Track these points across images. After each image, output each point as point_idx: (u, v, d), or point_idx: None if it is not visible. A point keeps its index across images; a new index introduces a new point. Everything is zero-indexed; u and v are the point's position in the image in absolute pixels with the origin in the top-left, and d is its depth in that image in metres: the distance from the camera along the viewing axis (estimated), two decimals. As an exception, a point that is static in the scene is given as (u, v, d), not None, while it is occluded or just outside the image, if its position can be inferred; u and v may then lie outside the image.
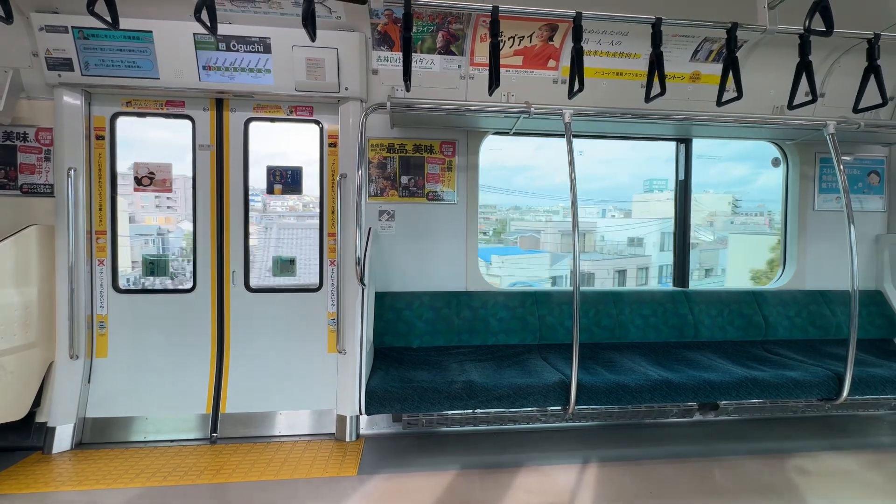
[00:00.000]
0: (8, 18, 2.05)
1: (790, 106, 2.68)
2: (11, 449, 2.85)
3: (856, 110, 2.75)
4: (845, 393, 2.79)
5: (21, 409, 2.79)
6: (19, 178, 3.05)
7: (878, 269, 3.88)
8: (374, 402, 2.55)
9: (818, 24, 2.34)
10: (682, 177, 3.89)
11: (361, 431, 3.14)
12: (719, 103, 2.64)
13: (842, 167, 2.91)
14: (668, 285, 3.98)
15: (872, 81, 2.62)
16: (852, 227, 2.82)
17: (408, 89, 2.53)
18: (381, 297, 3.30)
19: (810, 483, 2.60)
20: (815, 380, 2.81)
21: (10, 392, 2.71)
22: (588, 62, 2.76)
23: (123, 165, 3.20)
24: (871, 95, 2.66)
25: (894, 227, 3.91)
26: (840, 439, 3.15)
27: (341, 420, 3.10)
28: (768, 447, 3.00)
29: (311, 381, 3.21)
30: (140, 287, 3.30)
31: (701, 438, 3.13)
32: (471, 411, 2.78)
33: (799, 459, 2.84)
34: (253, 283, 3.29)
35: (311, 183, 3.33)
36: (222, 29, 2.84)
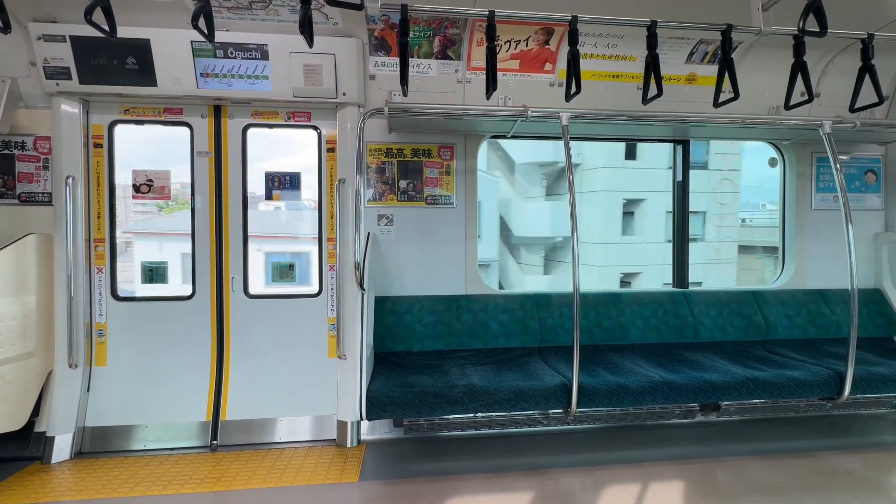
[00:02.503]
0: (6, 28, 2.06)
1: (787, 106, 2.69)
2: (10, 459, 2.83)
3: (852, 109, 2.76)
4: (846, 392, 2.78)
5: (20, 419, 2.78)
6: (17, 186, 3.05)
7: (876, 268, 3.88)
8: (375, 407, 2.54)
9: (812, 24, 2.36)
10: (679, 178, 3.90)
11: (362, 437, 3.13)
12: (716, 104, 2.66)
13: (838, 166, 2.92)
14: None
15: (868, 81, 2.64)
16: (850, 225, 2.82)
17: (405, 94, 2.54)
18: (380, 302, 3.30)
19: (814, 483, 2.59)
20: (816, 379, 2.81)
21: (9, 402, 2.70)
22: (584, 65, 2.78)
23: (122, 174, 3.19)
24: (867, 95, 2.67)
25: (892, 225, 3.92)
26: (842, 439, 3.14)
27: (342, 426, 3.09)
28: (771, 447, 2.99)
29: (311, 387, 3.20)
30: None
31: (703, 439, 3.12)
32: (472, 415, 2.78)
33: (802, 459, 2.83)
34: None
35: (309, 188, 3.33)
36: (220, 36, 2.85)
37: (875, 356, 3.26)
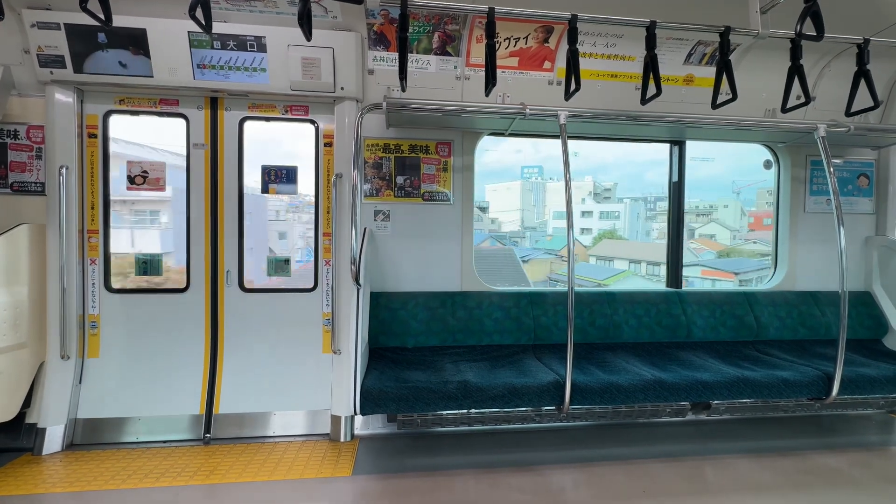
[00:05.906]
0: None
1: (783, 109, 2.71)
2: (1, 450, 2.81)
3: (848, 114, 2.78)
4: (835, 392, 2.82)
5: (11, 410, 2.76)
6: (10, 176, 3.01)
7: (867, 271, 3.93)
8: (369, 402, 2.55)
9: (809, 28, 2.38)
10: (675, 178, 3.92)
11: (356, 432, 3.14)
12: (714, 106, 2.67)
13: (832, 170, 2.95)
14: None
15: (863, 85, 2.67)
16: (842, 228, 2.86)
17: (403, 89, 2.53)
18: (376, 297, 3.30)
19: (801, 481, 2.63)
20: (805, 380, 2.85)
21: (0, 393, 2.68)
22: (583, 64, 2.79)
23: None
24: (863, 99, 2.70)
25: (883, 229, 3.97)
26: (830, 438, 3.19)
27: (336, 420, 3.09)
28: (759, 446, 3.03)
29: (305, 382, 3.20)
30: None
31: (693, 438, 3.16)
32: (466, 411, 2.79)
33: (790, 458, 2.88)
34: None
35: (306, 182, 3.32)
36: (217, 27, 2.83)
37: (863, 358, 3.31)
